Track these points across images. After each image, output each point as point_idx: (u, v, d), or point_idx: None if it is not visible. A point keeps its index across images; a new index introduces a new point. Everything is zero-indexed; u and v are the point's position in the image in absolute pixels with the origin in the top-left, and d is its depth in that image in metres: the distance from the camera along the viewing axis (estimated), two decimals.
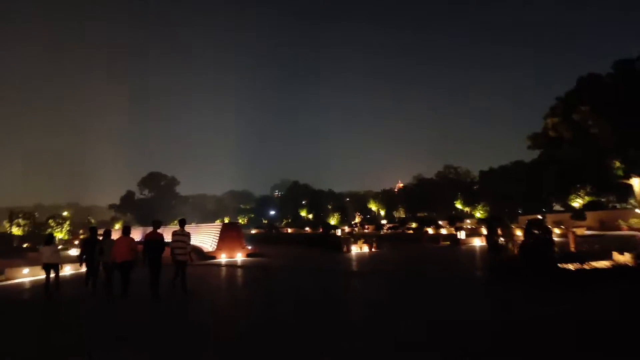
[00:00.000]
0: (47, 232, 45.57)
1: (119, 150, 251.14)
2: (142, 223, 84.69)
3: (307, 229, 65.02)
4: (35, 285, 17.37)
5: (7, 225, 58.09)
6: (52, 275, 13.11)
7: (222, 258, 23.81)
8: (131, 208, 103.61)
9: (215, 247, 24.68)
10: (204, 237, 29.51)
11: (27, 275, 19.83)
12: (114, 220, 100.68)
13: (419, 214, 76.37)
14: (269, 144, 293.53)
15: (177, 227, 12.36)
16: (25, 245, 48.58)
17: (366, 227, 58.33)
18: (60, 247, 48.23)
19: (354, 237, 27.41)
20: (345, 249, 25.84)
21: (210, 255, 23.87)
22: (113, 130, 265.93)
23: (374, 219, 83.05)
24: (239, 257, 24.18)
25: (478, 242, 29.80)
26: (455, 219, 38.20)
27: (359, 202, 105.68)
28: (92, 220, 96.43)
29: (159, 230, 11.63)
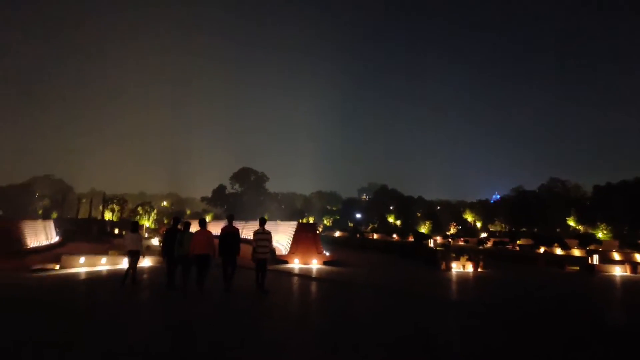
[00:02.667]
0: (133, 220, 46.57)
1: (219, 145, 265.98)
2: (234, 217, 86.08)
3: (394, 236, 59.88)
4: (92, 276, 15.84)
5: (101, 209, 61.81)
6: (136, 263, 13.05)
7: (295, 263, 20.34)
8: (222, 201, 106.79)
9: (289, 250, 21.33)
10: (281, 236, 26.50)
11: (84, 265, 18.21)
12: (205, 212, 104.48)
13: (522, 229, 67.35)
14: (359, 145, 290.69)
15: (257, 226, 12.15)
16: (116, 231, 50.53)
17: (461, 239, 51.66)
18: (146, 235, 49.59)
19: (455, 252, 22.24)
20: (443, 265, 20.89)
21: (282, 259, 20.55)
22: (214, 125, 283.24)
23: (470, 230, 74.89)
24: (314, 263, 20.50)
25: (619, 271, 22.86)
26: (589, 238, 30.67)
27: (451, 211, 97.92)
28: (188, 211, 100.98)
29: (233, 224, 12.02)
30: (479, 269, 21.01)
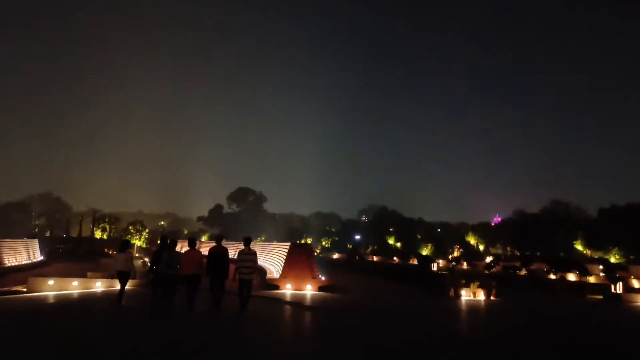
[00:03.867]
0: (123, 239, 44.63)
1: (216, 166, 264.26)
2: (229, 237, 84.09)
3: (395, 258, 57.67)
4: (60, 299, 14.13)
5: (95, 229, 59.68)
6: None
7: (287, 289, 18.28)
8: (219, 221, 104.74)
9: (280, 273, 19.32)
10: (275, 258, 24.53)
11: (53, 288, 16.25)
12: (201, 232, 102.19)
13: (526, 253, 65.06)
14: (359, 166, 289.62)
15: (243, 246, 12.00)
16: (106, 250, 48.45)
17: (464, 262, 49.37)
18: (137, 255, 47.44)
19: (463, 276, 20.19)
20: (452, 292, 18.87)
21: (273, 284, 18.50)
22: (212, 145, 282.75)
23: (472, 254, 72.47)
24: (309, 289, 18.42)
25: None
26: (613, 265, 28.43)
27: (452, 233, 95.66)
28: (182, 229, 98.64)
29: (223, 244, 11.84)
30: (492, 297, 19.00)
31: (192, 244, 11.94)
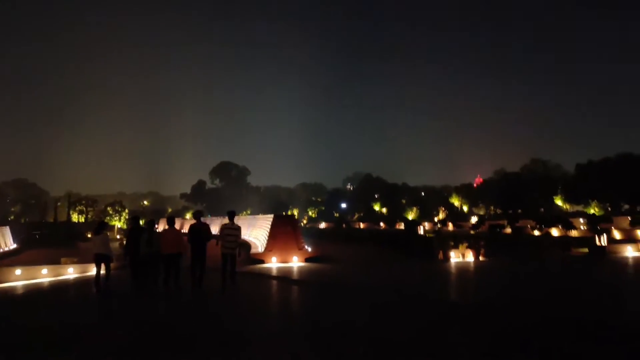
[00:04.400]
0: (99, 220, 43.28)
1: (198, 140, 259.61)
2: (213, 213, 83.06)
3: (381, 224, 57.76)
4: (29, 289, 13.30)
5: (71, 212, 57.89)
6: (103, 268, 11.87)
7: (273, 262, 17.66)
8: (202, 197, 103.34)
9: (265, 247, 18.64)
10: (259, 231, 23.81)
11: (21, 278, 15.23)
12: (185, 210, 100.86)
13: (509, 211, 65.97)
14: (341, 136, 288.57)
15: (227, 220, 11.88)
16: (87, 234, 47.04)
17: (449, 224, 49.57)
18: (118, 237, 46.18)
19: (451, 238, 19.85)
20: (441, 255, 18.54)
21: (258, 259, 17.83)
22: (191, 120, 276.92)
23: (457, 215, 73.23)
24: (295, 261, 17.85)
25: (631, 252, 20.92)
26: (598, 217, 28.51)
27: (436, 196, 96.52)
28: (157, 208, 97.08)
29: (202, 220, 11.77)
30: (481, 258, 18.74)
31: (170, 222, 11.78)
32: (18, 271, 15.42)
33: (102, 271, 11.89)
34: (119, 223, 60.46)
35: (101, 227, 12.72)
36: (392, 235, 31.07)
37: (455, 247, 18.75)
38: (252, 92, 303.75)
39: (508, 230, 32.10)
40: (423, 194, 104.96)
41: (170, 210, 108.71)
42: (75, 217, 56.73)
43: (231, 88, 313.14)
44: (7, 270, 15.48)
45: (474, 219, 51.46)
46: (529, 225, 30.44)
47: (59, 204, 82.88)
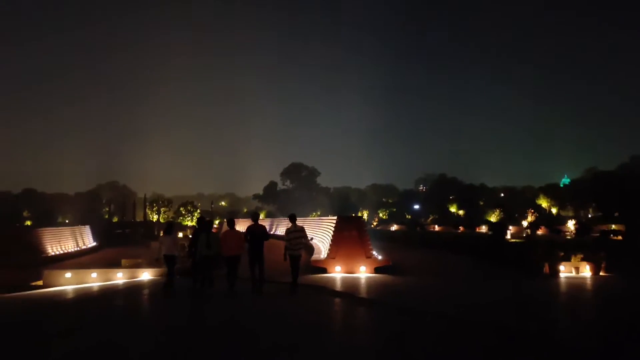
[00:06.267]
0: (168, 221, 43.91)
1: (273, 143, 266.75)
2: (284, 213, 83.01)
3: (460, 227, 52.98)
4: (83, 293, 12.54)
5: (148, 211, 60.25)
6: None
7: (336, 272, 15.17)
8: (273, 199, 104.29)
9: (327, 253, 16.21)
10: (325, 234, 21.52)
11: (71, 280, 14.33)
12: (258, 210, 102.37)
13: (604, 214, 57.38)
14: (415, 135, 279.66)
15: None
16: (159, 233, 48.25)
17: (542, 228, 43.54)
18: (181, 235, 46.67)
19: (561, 248, 15.90)
20: (546, 269, 14.82)
21: (320, 267, 15.45)
22: (268, 123, 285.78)
23: (547, 218, 65.61)
24: (362, 271, 15.20)
25: None
26: None
27: (519, 197, 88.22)
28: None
29: (259, 222, 11.63)
30: (601, 273, 14.73)
31: (231, 223, 11.75)
32: (68, 274, 14.54)
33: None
34: (191, 223, 62.04)
35: (170, 227, 12.68)
36: (475, 240, 27.14)
37: (566, 258, 14.91)
38: (322, 91, 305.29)
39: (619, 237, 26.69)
40: (503, 195, 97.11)
41: (245, 210, 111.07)
42: (154, 217, 59.19)
43: (304, 87, 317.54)
44: (57, 273, 14.70)
45: (570, 223, 45.10)
46: None
47: (133, 202, 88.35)
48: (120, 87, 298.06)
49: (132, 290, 12.90)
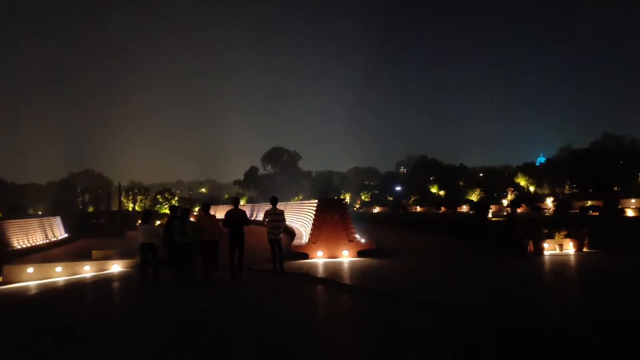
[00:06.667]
0: (146, 209, 42.65)
1: (253, 127, 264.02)
2: (265, 199, 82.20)
3: (442, 208, 53.21)
4: (44, 289, 11.94)
5: (124, 200, 58.61)
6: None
7: (318, 257, 14.63)
8: (255, 184, 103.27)
9: (308, 238, 15.64)
10: (306, 218, 20.92)
11: (33, 276, 13.41)
12: (239, 196, 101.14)
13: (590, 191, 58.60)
14: (393, 118, 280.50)
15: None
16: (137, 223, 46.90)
17: (523, 206, 44.03)
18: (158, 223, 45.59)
19: (544, 226, 15.71)
20: (530, 246, 14.60)
21: (301, 252, 14.87)
22: (248, 109, 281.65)
23: (527, 196, 66.59)
24: (345, 255, 14.72)
25: None
26: None
27: (498, 177, 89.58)
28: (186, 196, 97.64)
29: (240, 207, 11.73)
30: (584, 249, 14.60)
31: (206, 208, 12.02)
32: (30, 269, 13.60)
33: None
34: (167, 211, 60.69)
35: (147, 215, 12.45)
36: (457, 220, 27.03)
37: (550, 236, 14.71)
38: (302, 75, 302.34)
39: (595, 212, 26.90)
40: (482, 175, 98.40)
41: (227, 196, 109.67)
42: (130, 206, 57.55)
43: (283, 72, 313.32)
44: (18, 268, 13.73)
45: (549, 200, 45.66)
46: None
47: (106, 191, 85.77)
48: (94, 69, 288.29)
49: (100, 284, 12.15)
